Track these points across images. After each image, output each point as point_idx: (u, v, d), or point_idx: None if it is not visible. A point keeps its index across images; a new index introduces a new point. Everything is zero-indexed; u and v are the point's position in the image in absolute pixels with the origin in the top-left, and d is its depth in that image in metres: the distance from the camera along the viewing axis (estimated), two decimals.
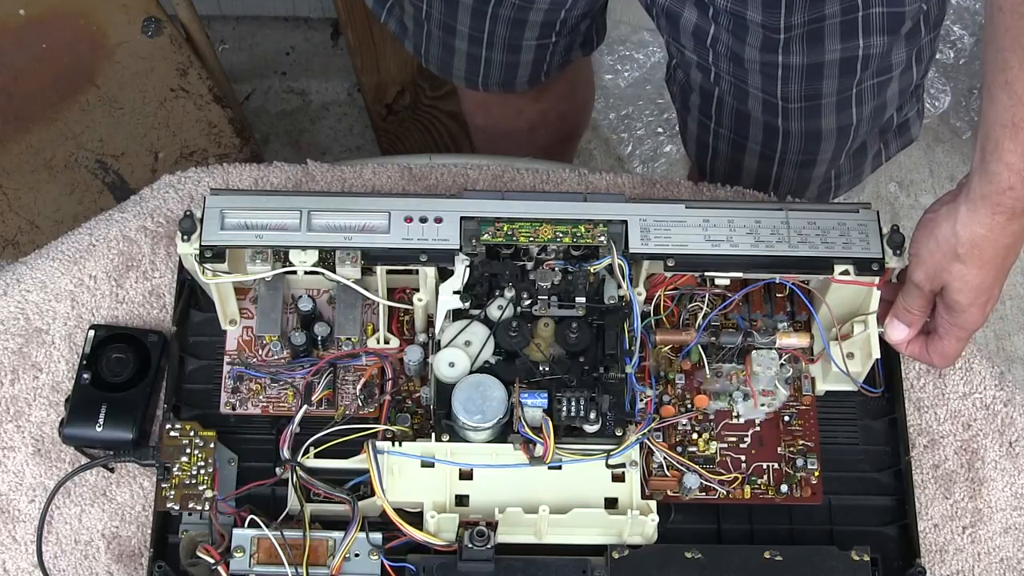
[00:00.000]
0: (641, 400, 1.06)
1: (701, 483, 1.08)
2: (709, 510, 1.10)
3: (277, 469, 1.05)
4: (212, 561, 0.99)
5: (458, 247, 1.06)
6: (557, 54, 1.38)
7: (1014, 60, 0.90)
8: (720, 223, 1.07)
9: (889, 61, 1.19)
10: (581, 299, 1.06)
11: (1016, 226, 0.97)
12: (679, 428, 1.11)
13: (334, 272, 1.06)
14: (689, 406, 1.11)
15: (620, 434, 1.03)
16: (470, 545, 0.99)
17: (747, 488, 1.10)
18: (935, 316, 1.06)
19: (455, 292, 1.06)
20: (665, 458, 1.08)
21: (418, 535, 1.01)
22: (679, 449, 1.10)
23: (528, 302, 1.06)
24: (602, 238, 1.06)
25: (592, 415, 1.02)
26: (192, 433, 1.05)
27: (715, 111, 1.29)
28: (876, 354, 1.07)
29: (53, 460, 1.12)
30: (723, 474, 1.09)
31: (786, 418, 1.12)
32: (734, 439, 1.11)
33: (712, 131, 1.32)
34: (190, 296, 1.14)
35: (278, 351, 1.12)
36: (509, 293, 1.06)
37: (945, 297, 1.03)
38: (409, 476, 1.03)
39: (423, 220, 1.06)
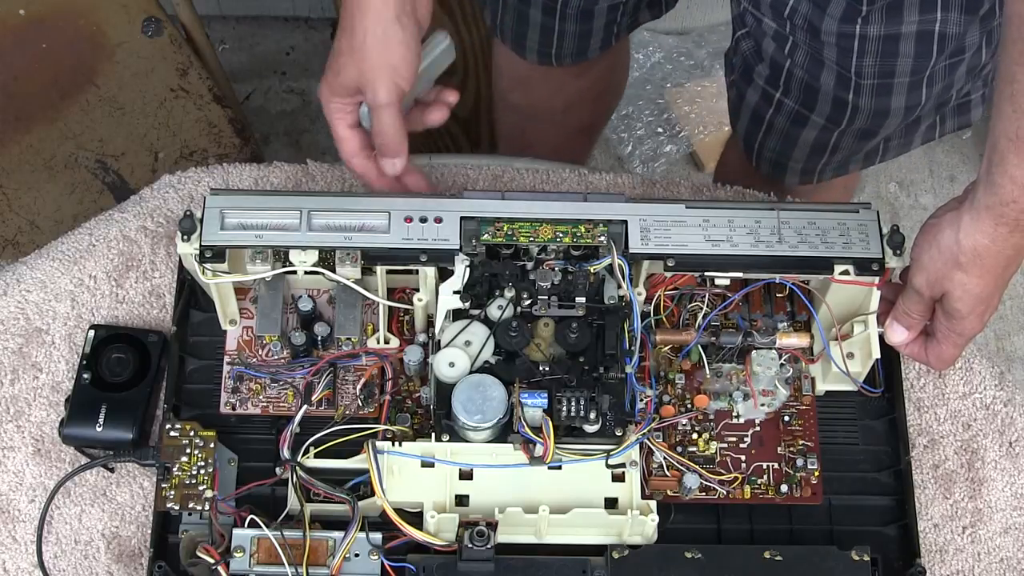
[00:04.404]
0: (641, 400, 1.06)
1: (701, 483, 1.08)
2: (709, 510, 1.10)
3: (277, 469, 1.05)
4: (212, 561, 0.99)
5: (458, 247, 1.06)
6: (627, 15, 1.38)
7: (1020, 73, 0.90)
8: (720, 223, 1.07)
9: (964, 43, 1.19)
10: (581, 299, 1.06)
11: (1018, 238, 0.97)
12: (679, 428, 1.11)
13: (334, 272, 1.06)
14: (689, 406, 1.11)
15: (620, 434, 1.03)
16: (470, 545, 0.99)
17: (747, 488, 1.10)
18: (934, 320, 1.06)
19: (455, 292, 1.06)
20: (665, 458, 1.08)
21: (418, 535, 1.01)
22: (679, 449, 1.10)
23: (528, 302, 1.06)
24: (602, 238, 1.06)
25: (592, 415, 1.02)
26: (192, 433, 1.05)
27: (784, 82, 1.28)
28: (876, 354, 1.07)
29: (53, 460, 1.12)
30: (723, 474, 1.09)
31: (786, 418, 1.12)
32: (734, 439, 1.11)
33: (776, 102, 1.31)
34: (190, 296, 1.14)
35: (278, 351, 1.12)
36: (509, 293, 1.06)
37: (945, 304, 1.03)
38: (409, 476, 1.03)
39: (423, 220, 1.06)
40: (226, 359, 1.12)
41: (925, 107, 1.27)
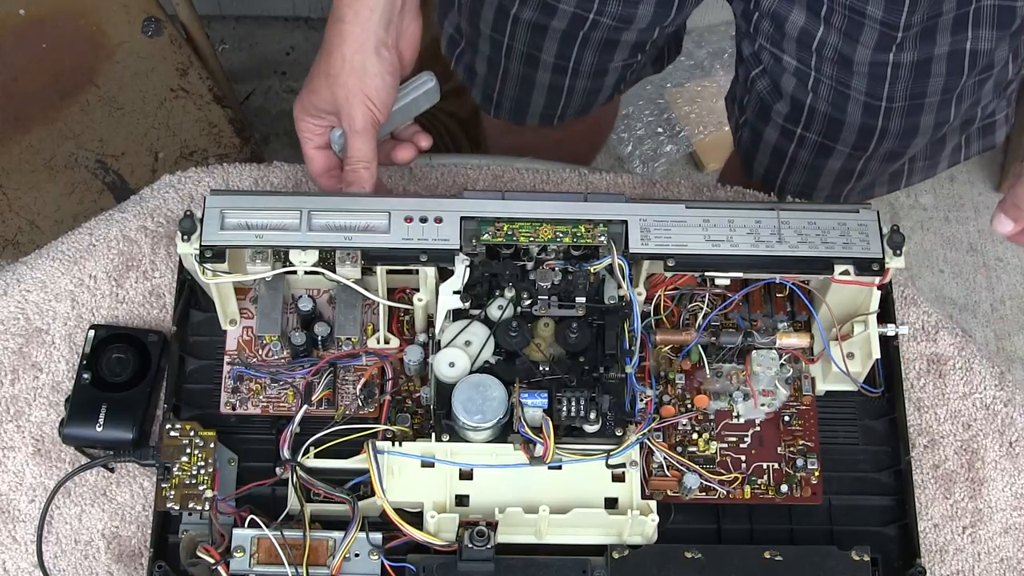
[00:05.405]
0: (641, 400, 1.06)
1: (701, 483, 1.08)
2: (709, 510, 1.10)
3: (277, 469, 1.05)
4: (212, 561, 0.99)
5: (458, 247, 1.06)
6: (634, 72, 1.38)
7: None
8: (720, 223, 1.07)
9: (993, 58, 1.19)
10: (581, 299, 1.06)
11: None
12: (679, 428, 1.11)
13: (334, 272, 1.06)
14: (689, 406, 1.11)
15: (620, 434, 1.03)
16: (470, 545, 0.99)
17: (747, 488, 1.10)
18: None
19: (455, 292, 1.06)
20: (665, 458, 1.08)
21: (418, 535, 1.01)
22: (679, 449, 1.10)
23: (528, 302, 1.06)
24: (602, 238, 1.06)
25: (592, 415, 1.02)
26: (192, 433, 1.05)
27: (806, 117, 1.28)
28: (876, 354, 1.07)
29: (53, 460, 1.12)
30: (723, 474, 1.09)
31: (786, 418, 1.12)
32: (734, 439, 1.11)
33: (797, 138, 1.31)
34: (190, 296, 1.14)
35: (278, 351, 1.12)
36: (509, 293, 1.06)
37: None
38: (409, 476, 1.03)
39: (423, 220, 1.06)
40: (226, 359, 1.12)
41: (952, 124, 1.27)
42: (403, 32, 1.09)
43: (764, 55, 1.26)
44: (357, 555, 1.00)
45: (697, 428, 1.11)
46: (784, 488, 1.09)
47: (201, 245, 1.05)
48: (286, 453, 1.04)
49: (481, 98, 1.42)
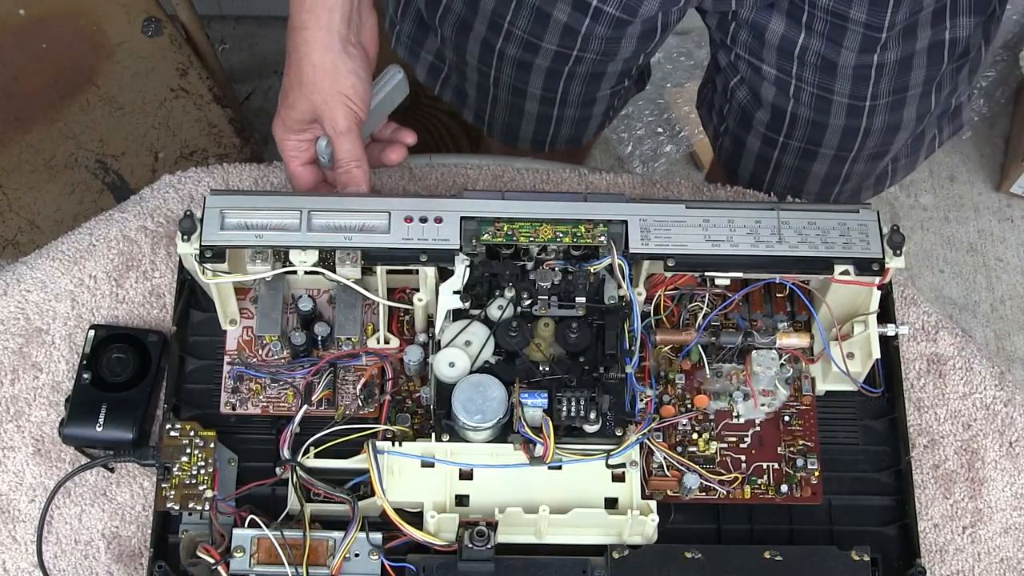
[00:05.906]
0: (641, 400, 1.06)
1: (701, 483, 1.08)
2: (709, 510, 1.10)
3: (277, 469, 1.05)
4: (212, 561, 0.99)
5: (458, 247, 1.06)
6: (621, 98, 1.37)
7: None
8: (720, 223, 1.07)
9: (969, 44, 1.20)
10: (581, 299, 1.06)
11: None
12: (679, 428, 1.11)
13: (334, 272, 1.06)
14: (689, 406, 1.11)
15: (620, 434, 1.03)
16: (470, 545, 0.99)
17: (747, 488, 1.10)
18: None
19: (455, 292, 1.06)
20: (665, 458, 1.08)
21: (418, 535, 1.01)
22: (679, 449, 1.10)
23: (528, 302, 1.06)
24: (602, 238, 1.06)
25: (592, 415, 1.02)
26: (192, 433, 1.05)
27: (788, 124, 1.28)
28: (876, 354, 1.07)
29: (53, 460, 1.12)
30: (723, 474, 1.09)
31: (786, 418, 1.12)
32: (734, 439, 1.11)
33: (780, 145, 1.31)
34: (190, 296, 1.14)
35: (278, 351, 1.12)
36: (509, 293, 1.06)
37: None
38: (409, 476, 1.03)
39: (423, 220, 1.06)
40: (226, 359, 1.12)
41: (933, 114, 1.27)
42: (362, 26, 1.10)
43: (741, 65, 1.26)
44: (357, 555, 1.00)
45: (697, 428, 1.11)
46: (784, 488, 1.09)
47: (201, 245, 1.05)
48: (286, 453, 1.04)
49: (473, 118, 1.42)
